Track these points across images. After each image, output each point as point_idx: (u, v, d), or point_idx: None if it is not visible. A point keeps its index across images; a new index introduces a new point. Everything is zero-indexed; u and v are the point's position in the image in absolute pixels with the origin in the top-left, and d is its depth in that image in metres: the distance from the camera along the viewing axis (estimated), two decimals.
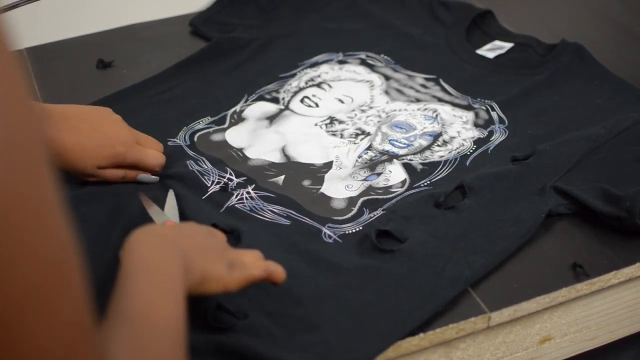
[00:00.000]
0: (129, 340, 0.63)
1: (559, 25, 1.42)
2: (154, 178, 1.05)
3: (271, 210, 1.01)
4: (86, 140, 0.98)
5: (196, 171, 1.07)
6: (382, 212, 1.01)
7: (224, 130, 1.15)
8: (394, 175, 1.07)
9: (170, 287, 0.70)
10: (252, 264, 0.84)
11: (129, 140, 1.02)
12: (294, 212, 1.01)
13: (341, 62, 1.29)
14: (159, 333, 0.66)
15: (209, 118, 1.16)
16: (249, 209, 1.01)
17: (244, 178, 1.06)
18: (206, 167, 1.07)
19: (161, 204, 0.99)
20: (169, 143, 1.11)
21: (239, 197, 1.03)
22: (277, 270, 0.85)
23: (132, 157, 1.02)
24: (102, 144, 0.99)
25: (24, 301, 0.44)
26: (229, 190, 1.04)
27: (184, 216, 0.98)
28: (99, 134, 1.00)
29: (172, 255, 0.74)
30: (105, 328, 0.64)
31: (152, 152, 1.04)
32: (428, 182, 1.06)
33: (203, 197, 1.03)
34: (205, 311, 0.86)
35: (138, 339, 0.64)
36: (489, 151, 1.11)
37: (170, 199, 1.01)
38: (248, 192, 1.04)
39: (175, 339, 0.67)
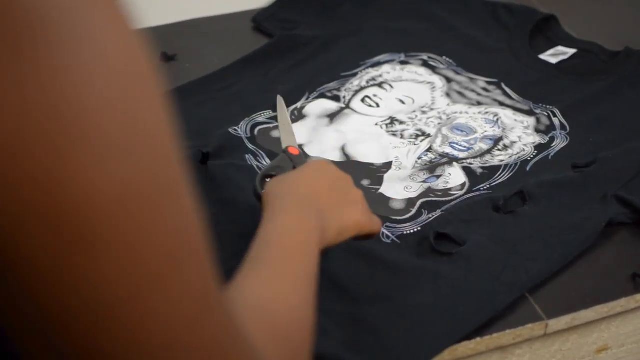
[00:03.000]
0: (267, 281, 0.66)
1: (624, 31, 1.40)
2: None
3: None
4: None
5: (254, 166, 1.07)
6: (440, 212, 1.01)
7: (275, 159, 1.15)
8: (454, 178, 1.07)
9: (306, 244, 0.73)
10: (379, 220, 0.89)
11: None
12: None
13: (403, 63, 1.29)
14: (295, 279, 0.69)
15: (271, 112, 1.17)
16: None
17: None
18: (265, 162, 1.08)
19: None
20: (231, 131, 1.12)
21: None
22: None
23: None
24: None
25: (155, 274, 0.44)
26: None
27: (236, 203, 0.99)
28: None
29: (309, 216, 0.77)
30: (242, 273, 0.66)
31: None
32: (488, 185, 1.05)
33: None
34: None
35: (275, 281, 0.67)
36: (550, 157, 1.10)
37: (281, 107, 1.04)
38: None
39: (309, 289, 0.70)
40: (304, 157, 1.01)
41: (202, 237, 0.47)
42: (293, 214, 0.77)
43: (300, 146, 1.04)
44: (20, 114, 0.38)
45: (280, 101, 1.06)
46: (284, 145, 0.99)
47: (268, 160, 1.08)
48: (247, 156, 1.09)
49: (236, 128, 1.13)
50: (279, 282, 0.68)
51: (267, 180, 0.91)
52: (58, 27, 0.39)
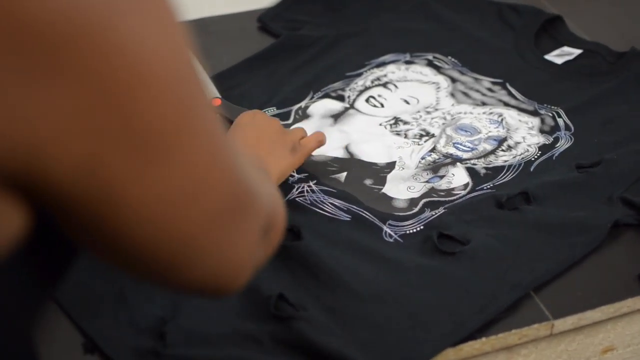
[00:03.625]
0: None
1: (632, 31, 1.40)
2: None
3: (332, 204, 1.01)
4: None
5: None
6: (443, 210, 1.00)
7: (288, 126, 1.15)
8: (457, 178, 1.07)
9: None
10: (306, 140, 1.05)
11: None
12: (354, 207, 1.01)
13: (408, 63, 1.29)
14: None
15: (275, 109, 1.17)
16: (309, 202, 1.02)
17: (306, 174, 1.06)
18: None
19: None
20: None
21: (299, 190, 1.04)
22: (321, 136, 1.06)
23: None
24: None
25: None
26: (288, 182, 1.04)
27: None
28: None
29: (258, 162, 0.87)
30: None
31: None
32: (491, 185, 1.05)
33: None
34: (268, 300, 0.87)
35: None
36: (554, 158, 1.10)
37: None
38: (309, 186, 1.04)
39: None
40: (226, 103, 1.10)
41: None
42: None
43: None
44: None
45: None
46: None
47: None
48: None
49: None
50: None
51: None
52: None
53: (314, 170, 1.07)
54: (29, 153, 0.44)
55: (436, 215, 1.00)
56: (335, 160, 1.09)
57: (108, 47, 0.44)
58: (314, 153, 1.09)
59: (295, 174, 1.06)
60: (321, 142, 1.06)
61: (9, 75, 0.43)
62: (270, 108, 1.17)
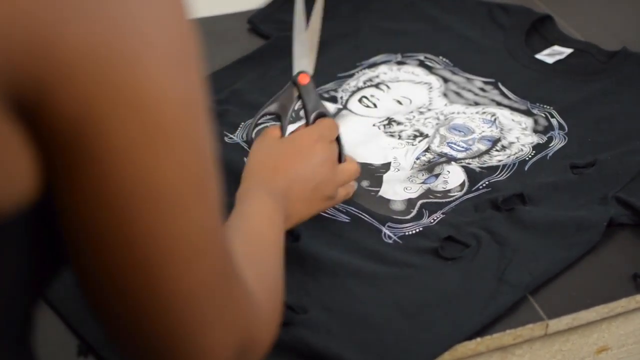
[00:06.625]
0: (243, 243, 0.75)
1: (625, 31, 1.40)
2: None
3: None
4: None
5: None
6: (442, 215, 1.00)
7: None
8: (452, 176, 1.06)
9: (273, 225, 0.83)
10: (340, 194, 0.96)
11: None
12: (353, 209, 1.01)
13: (399, 63, 1.29)
14: (267, 250, 0.78)
15: (268, 115, 1.16)
16: None
17: None
18: None
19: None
20: (227, 140, 1.12)
21: None
22: (351, 192, 0.99)
23: None
24: None
25: (197, 177, 0.54)
26: None
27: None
28: None
29: (278, 207, 0.85)
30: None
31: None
32: (487, 182, 1.05)
33: None
34: None
35: (252, 251, 0.75)
36: (548, 157, 1.10)
37: (318, 7, 1.05)
38: None
39: (278, 257, 0.79)
40: (312, 90, 0.97)
41: (214, 175, 0.56)
42: (265, 201, 0.84)
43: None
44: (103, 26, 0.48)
45: (299, 2, 1.03)
46: (295, 70, 0.97)
47: None
48: (246, 159, 1.08)
49: (233, 137, 1.13)
50: (252, 242, 0.77)
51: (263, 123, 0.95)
52: None
53: None
54: (41, 78, 0.47)
55: (435, 222, 1.00)
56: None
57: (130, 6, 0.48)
58: None
59: None
60: (348, 196, 0.99)
61: None
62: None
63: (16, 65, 0.46)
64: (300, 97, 0.96)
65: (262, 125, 1.14)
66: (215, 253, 0.57)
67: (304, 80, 0.96)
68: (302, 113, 1.15)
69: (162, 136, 0.51)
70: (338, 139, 0.96)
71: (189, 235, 0.54)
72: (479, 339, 0.88)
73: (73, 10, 0.47)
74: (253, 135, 0.94)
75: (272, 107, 0.96)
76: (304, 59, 0.99)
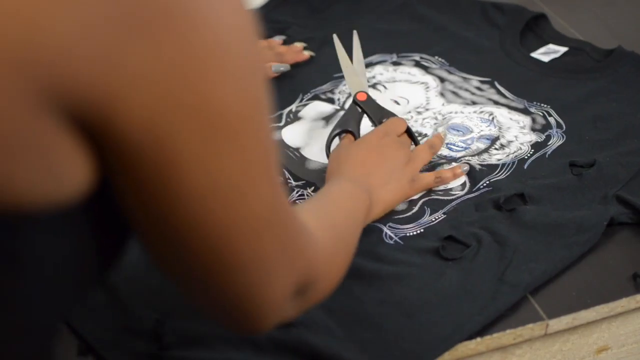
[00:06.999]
0: (324, 215, 0.80)
1: (623, 30, 1.40)
2: (286, 66, 1.20)
3: None
4: None
5: None
6: (443, 215, 1.00)
7: (280, 128, 1.15)
8: None
9: (355, 211, 0.89)
10: (428, 178, 1.03)
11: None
12: None
13: (395, 64, 1.29)
14: (345, 223, 0.84)
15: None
16: None
17: (303, 182, 1.06)
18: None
19: None
20: None
21: (299, 193, 1.03)
22: (445, 178, 1.05)
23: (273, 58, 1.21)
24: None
25: (261, 168, 0.57)
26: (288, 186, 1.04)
27: None
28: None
29: (361, 194, 0.92)
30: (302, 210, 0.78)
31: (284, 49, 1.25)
32: (487, 182, 1.05)
33: None
34: None
35: (330, 217, 0.81)
36: (547, 155, 1.10)
37: (356, 46, 1.14)
38: (309, 194, 1.04)
39: (354, 236, 0.85)
40: (372, 102, 1.10)
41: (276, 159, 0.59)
42: (348, 189, 0.91)
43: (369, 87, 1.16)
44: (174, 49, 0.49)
45: (337, 42, 1.14)
46: (352, 92, 1.10)
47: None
48: None
49: None
50: (333, 218, 0.81)
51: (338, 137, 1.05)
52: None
53: (311, 177, 1.06)
54: (107, 93, 0.48)
55: (436, 222, 0.99)
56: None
57: (195, 21, 0.49)
58: (308, 157, 1.08)
59: (292, 182, 1.05)
60: (440, 183, 1.04)
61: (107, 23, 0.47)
62: None
63: (80, 81, 0.47)
64: (363, 111, 1.09)
65: None
66: (282, 221, 0.61)
67: (362, 97, 1.10)
68: (299, 114, 1.16)
69: (232, 142, 0.53)
70: (409, 132, 1.07)
71: (255, 213, 0.58)
72: (479, 339, 0.88)
73: (140, 26, 0.47)
74: (327, 151, 1.05)
75: (341, 126, 1.07)
76: (357, 82, 1.12)
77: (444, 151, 1.11)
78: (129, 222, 0.56)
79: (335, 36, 1.14)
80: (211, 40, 0.50)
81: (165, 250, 0.58)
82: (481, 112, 1.18)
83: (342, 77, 1.24)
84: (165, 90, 0.49)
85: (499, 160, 1.09)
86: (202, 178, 0.53)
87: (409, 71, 1.27)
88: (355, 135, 1.06)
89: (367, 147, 1.01)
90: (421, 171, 1.04)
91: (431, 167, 1.08)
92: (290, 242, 0.63)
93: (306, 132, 1.14)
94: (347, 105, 1.19)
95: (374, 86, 1.24)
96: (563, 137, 1.13)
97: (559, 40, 1.35)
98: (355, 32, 1.15)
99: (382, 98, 1.21)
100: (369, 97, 1.10)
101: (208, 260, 0.58)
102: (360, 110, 1.09)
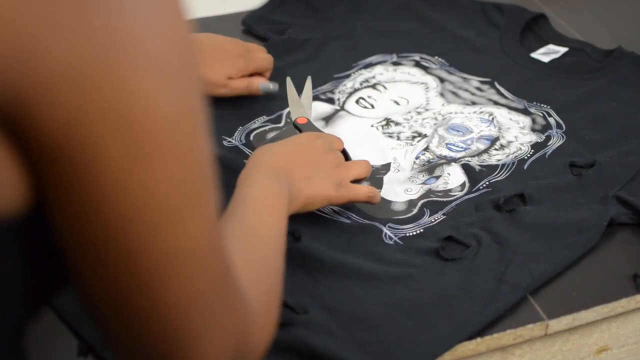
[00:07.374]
0: (241, 234, 0.76)
1: (624, 30, 1.40)
2: (275, 84, 1.17)
3: (331, 208, 1.01)
4: (215, 54, 1.14)
5: None
6: (443, 216, 1.00)
7: (280, 129, 1.14)
8: (453, 177, 1.06)
9: (275, 211, 0.83)
10: (359, 188, 0.97)
11: (244, 50, 1.17)
12: (353, 215, 1.00)
13: (395, 64, 1.29)
14: (266, 245, 0.78)
15: (265, 117, 1.16)
16: None
17: None
18: None
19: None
20: (225, 143, 1.11)
21: None
22: (377, 195, 0.98)
23: (253, 64, 1.16)
24: (228, 56, 1.13)
25: (193, 194, 0.53)
26: None
27: None
28: (221, 49, 1.15)
29: (280, 186, 0.87)
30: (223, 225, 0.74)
31: (264, 56, 1.20)
32: (487, 182, 1.05)
33: None
34: None
35: (251, 249, 0.75)
36: (547, 156, 1.10)
37: (307, 86, 1.16)
38: None
39: (278, 252, 0.79)
40: (311, 125, 1.09)
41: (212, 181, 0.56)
42: (266, 184, 0.86)
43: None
44: (90, 39, 0.47)
45: (288, 82, 1.15)
46: (292, 117, 1.10)
47: None
48: (245, 161, 1.08)
49: (231, 140, 1.12)
50: (251, 236, 0.77)
51: None
52: None
53: None
54: (28, 89, 0.46)
55: (436, 222, 0.99)
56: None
57: (118, 20, 0.47)
58: None
59: None
60: (371, 200, 0.97)
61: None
62: (261, 117, 1.16)
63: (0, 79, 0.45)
64: (300, 131, 1.07)
65: (262, 129, 1.14)
66: (213, 264, 0.56)
67: (303, 121, 1.09)
68: None
69: (155, 150, 0.50)
70: (344, 152, 1.03)
71: (186, 247, 0.53)
72: (479, 339, 0.88)
73: (60, 23, 0.46)
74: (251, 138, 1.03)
75: (275, 139, 1.06)
76: (300, 111, 1.12)
77: (444, 151, 1.11)
78: (59, 245, 0.53)
79: (288, 78, 1.16)
80: (135, 45, 0.48)
81: (89, 278, 0.54)
82: (481, 112, 1.18)
83: (342, 77, 1.25)
84: (84, 89, 0.47)
85: (498, 160, 1.09)
86: (122, 193, 0.50)
87: (409, 71, 1.27)
88: None
89: (294, 143, 0.97)
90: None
91: (430, 168, 1.08)
92: (224, 297, 0.58)
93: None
94: (346, 106, 1.19)
95: (374, 86, 1.23)
96: (563, 137, 1.13)
97: (559, 40, 1.35)
98: (309, 77, 1.18)
99: (382, 98, 1.21)
100: (309, 121, 1.09)
101: (132, 294, 0.53)
102: (299, 132, 1.06)
